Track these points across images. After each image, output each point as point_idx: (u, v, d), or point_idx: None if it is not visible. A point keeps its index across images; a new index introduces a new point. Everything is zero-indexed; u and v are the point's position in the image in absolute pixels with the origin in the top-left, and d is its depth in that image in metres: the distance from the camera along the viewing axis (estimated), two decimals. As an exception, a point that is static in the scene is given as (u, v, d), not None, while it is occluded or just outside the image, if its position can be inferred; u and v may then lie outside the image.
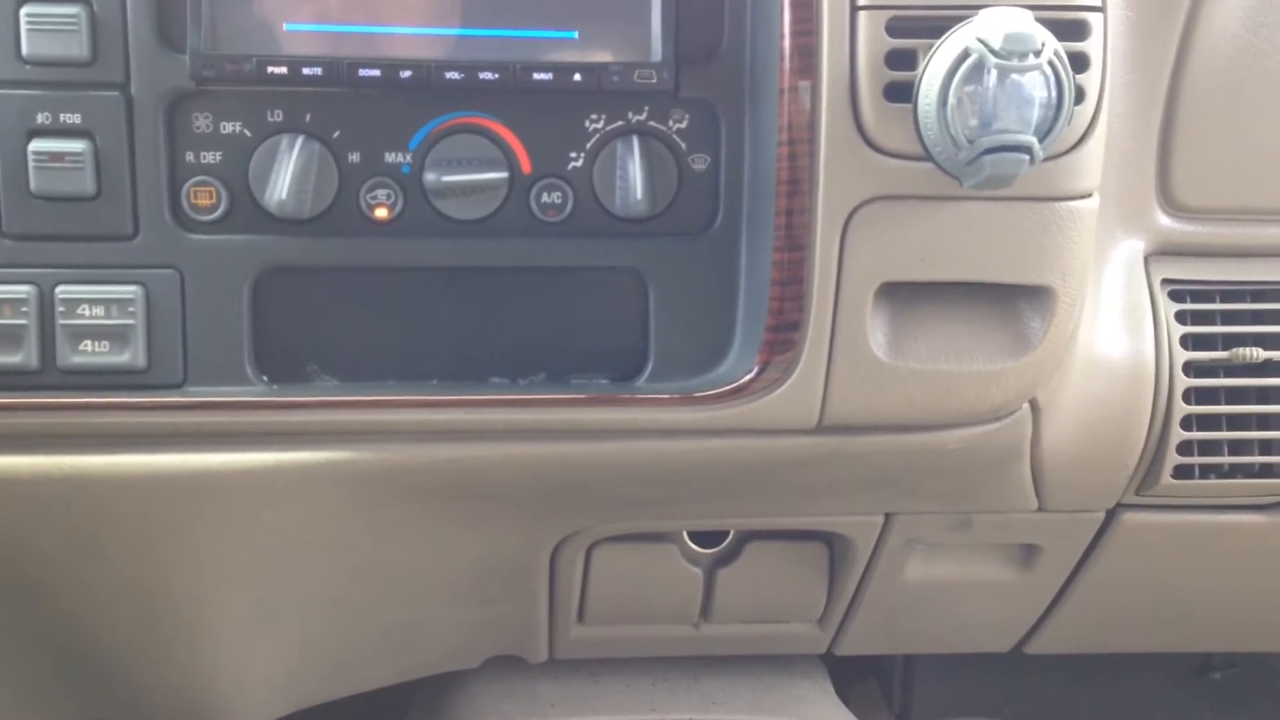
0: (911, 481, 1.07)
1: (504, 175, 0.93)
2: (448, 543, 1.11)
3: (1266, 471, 1.11)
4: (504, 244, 0.95)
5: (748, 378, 0.94)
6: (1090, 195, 0.93)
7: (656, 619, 1.28)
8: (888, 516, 1.15)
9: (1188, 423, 1.08)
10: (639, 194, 0.93)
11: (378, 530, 1.06)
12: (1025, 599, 1.28)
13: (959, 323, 0.95)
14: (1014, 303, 0.95)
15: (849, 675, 1.58)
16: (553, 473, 1.00)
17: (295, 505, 1.00)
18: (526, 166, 0.94)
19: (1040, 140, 0.83)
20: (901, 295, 0.94)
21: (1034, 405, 1.01)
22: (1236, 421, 1.10)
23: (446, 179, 0.93)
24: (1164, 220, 1.08)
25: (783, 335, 0.92)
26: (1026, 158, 0.83)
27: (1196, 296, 1.09)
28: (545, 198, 0.94)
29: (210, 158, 0.92)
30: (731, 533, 1.22)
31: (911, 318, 0.94)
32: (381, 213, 0.94)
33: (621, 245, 0.96)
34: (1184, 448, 1.09)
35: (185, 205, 0.92)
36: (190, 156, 0.92)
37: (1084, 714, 1.61)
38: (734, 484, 1.04)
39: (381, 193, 0.93)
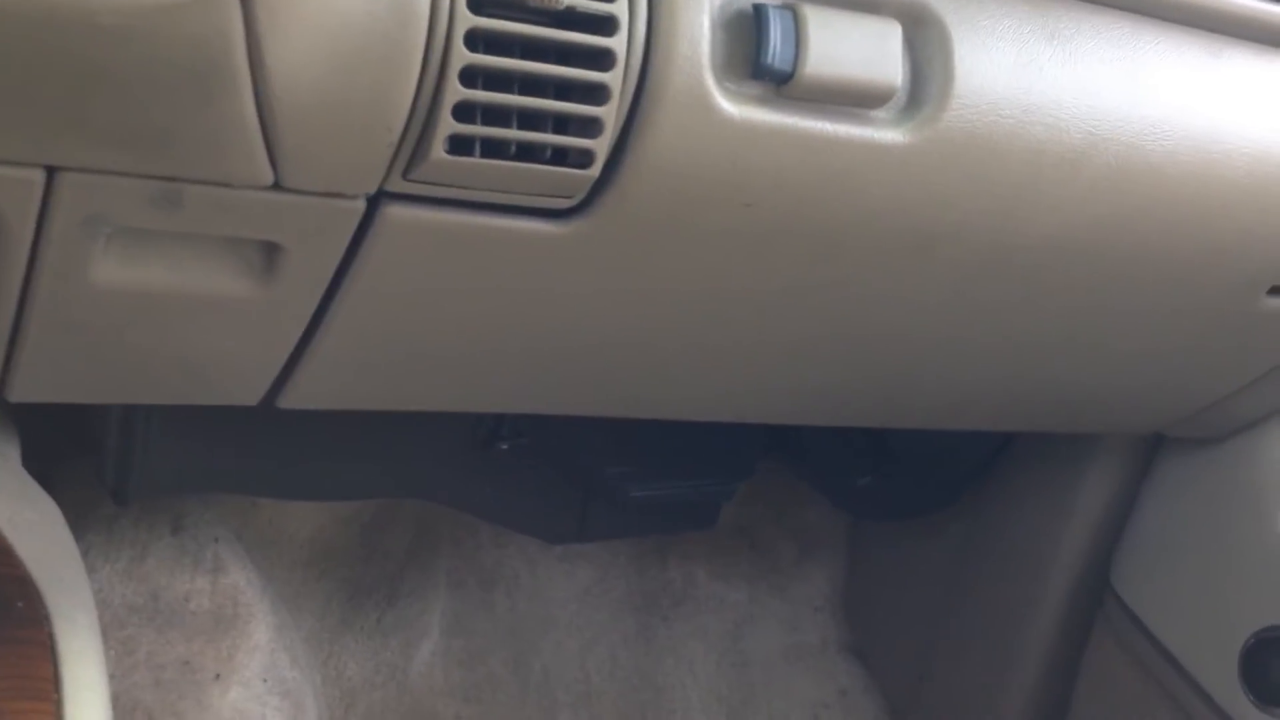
0: (65, 96, 0.72)
1: None
2: None
3: (560, 158, 0.89)
4: None
5: None
6: None
7: None
8: (50, 172, 0.79)
9: (470, 77, 0.83)
10: None
11: None
12: (271, 326, 0.98)
13: None
14: None
15: (64, 449, 1.21)
16: None
17: None
18: None
19: None
20: None
21: (243, -15, 0.70)
22: (529, 87, 0.86)
23: None
24: None
25: None
26: None
27: (494, -93, 0.83)
28: None
29: None
30: None
31: None
32: None
33: None
34: (463, 112, 0.84)
35: None
36: None
37: (347, 486, 1.35)
38: None
39: None
